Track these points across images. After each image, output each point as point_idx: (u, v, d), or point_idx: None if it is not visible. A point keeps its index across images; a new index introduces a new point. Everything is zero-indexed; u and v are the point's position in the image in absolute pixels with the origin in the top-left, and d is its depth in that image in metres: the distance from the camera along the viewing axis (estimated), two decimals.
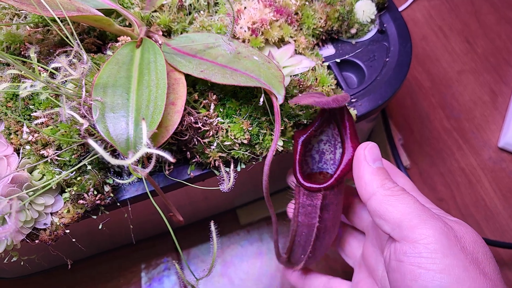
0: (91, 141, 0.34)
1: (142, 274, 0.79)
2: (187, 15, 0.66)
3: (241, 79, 0.52)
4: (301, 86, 0.57)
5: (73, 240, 0.56)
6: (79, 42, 0.49)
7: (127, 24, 0.64)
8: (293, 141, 0.55)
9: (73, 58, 0.48)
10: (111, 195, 0.56)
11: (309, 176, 0.58)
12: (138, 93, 0.50)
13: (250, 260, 0.81)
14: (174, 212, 0.59)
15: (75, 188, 0.53)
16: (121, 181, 0.47)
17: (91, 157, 0.51)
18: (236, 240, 0.82)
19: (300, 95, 0.52)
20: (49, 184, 0.53)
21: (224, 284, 0.80)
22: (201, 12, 0.65)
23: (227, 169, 0.48)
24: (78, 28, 0.64)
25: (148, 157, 0.50)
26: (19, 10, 0.65)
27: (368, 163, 0.47)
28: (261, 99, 0.51)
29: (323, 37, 0.67)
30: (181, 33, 0.65)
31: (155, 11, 0.66)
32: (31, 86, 0.52)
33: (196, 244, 0.83)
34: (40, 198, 0.53)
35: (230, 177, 0.48)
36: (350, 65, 0.68)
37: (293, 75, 0.58)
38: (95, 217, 0.56)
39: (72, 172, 0.53)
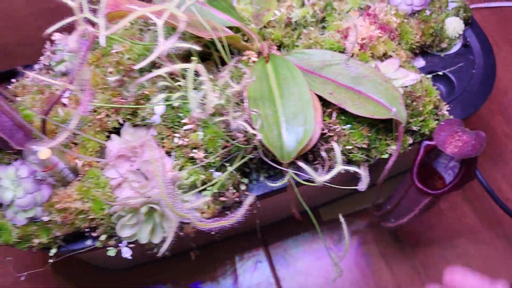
0: (299, 165, 0.41)
1: (237, 266, 0.86)
2: (293, 30, 0.73)
3: (371, 108, 0.59)
4: (412, 96, 0.64)
5: (212, 233, 0.63)
6: (233, 59, 0.56)
7: (245, 39, 0.71)
8: (419, 145, 0.62)
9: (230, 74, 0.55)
10: (246, 193, 0.62)
11: (420, 165, 0.65)
12: (284, 106, 0.57)
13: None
14: (295, 209, 0.66)
15: (216, 187, 0.60)
16: (273, 184, 0.54)
17: (239, 160, 0.58)
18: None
19: (442, 128, 0.59)
20: (194, 182, 0.60)
21: (309, 276, 0.87)
22: (311, 28, 0.72)
23: (362, 170, 0.54)
24: (200, 42, 0.71)
25: (291, 162, 0.57)
26: (145, 24, 0.72)
27: None
28: (393, 110, 0.58)
29: (417, 51, 0.74)
30: (292, 48, 0.72)
31: (265, 26, 0.73)
32: (182, 96, 0.59)
33: (282, 239, 0.90)
34: (186, 195, 0.60)
35: (365, 177, 0.55)
36: (439, 76, 0.75)
37: (404, 87, 0.65)
38: (228, 212, 0.63)
39: (213, 171, 0.60)
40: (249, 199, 0.44)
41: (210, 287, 0.84)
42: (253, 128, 0.52)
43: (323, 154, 0.53)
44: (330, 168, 0.64)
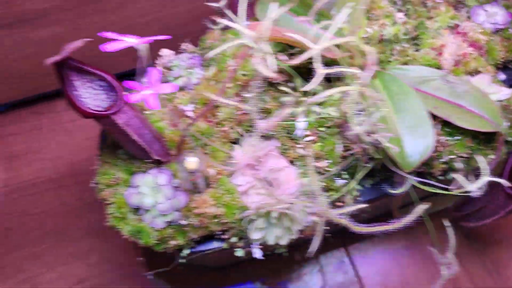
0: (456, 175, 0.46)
1: (322, 265, 0.91)
2: (385, 47, 0.79)
3: (476, 121, 0.64)
4: (508, 110, 0.69)
5: (329, 234, 0.69)
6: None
7: None
8: (509, 154, 0.68)
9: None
10: (358, 198, 0.68)
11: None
12: (400, 120, 0.63)
13: (406, 253, 0.94)
14: (396, 213, 0.72)
15: (333, 193, 0.66)
16: (393, 191, 0.60)
17: (361, 171, 0.64)
18: (396, 238, 0.95)
19: None
20: None
21: (388, 275, 0.92)
22: (404, 45, 0.77)
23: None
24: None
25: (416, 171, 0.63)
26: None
27: None
28: (504, 125, 0.64)
29: (500, 66, 0.80)
30: (386, 64, 0.77)
31: None
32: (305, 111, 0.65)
33: (359, 240, 0.95)
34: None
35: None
36: None
37: (499, 101, 0.71)
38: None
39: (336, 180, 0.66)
40: (421, 207, 0.49)
41: (297, 286, 0.90)
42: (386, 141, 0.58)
43: (459, 165, 0.58)
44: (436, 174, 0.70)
